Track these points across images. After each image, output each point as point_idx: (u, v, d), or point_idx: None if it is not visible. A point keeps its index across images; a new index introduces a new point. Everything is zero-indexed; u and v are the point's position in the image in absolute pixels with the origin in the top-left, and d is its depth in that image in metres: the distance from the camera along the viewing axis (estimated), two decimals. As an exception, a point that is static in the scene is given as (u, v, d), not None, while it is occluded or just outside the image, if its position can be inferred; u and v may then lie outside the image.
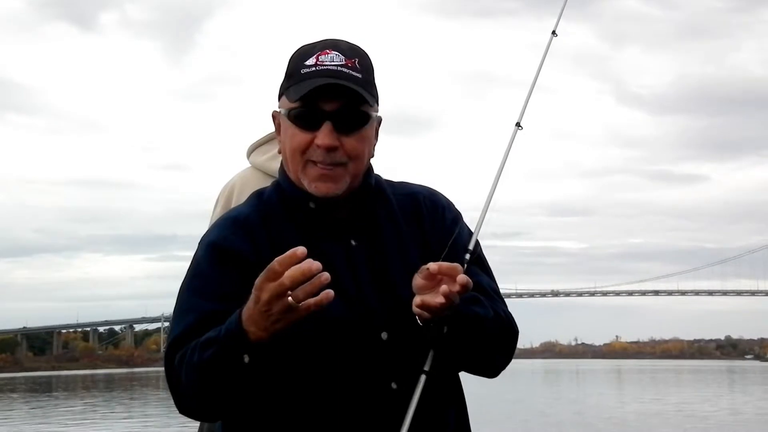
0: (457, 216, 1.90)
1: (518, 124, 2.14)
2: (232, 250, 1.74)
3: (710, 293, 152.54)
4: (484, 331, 1.73)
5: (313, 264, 1.49)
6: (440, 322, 1.66)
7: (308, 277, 1.48)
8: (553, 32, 2.38)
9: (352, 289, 1.73)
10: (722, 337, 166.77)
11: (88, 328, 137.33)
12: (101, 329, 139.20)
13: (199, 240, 1.83)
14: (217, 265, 1.74)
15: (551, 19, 2.42)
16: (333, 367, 1.69)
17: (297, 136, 1.76)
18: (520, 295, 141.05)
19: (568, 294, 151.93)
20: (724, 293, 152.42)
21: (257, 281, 1.53)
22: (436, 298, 1.60)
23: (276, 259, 1.50)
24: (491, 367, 1.86)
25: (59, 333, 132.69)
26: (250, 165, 2.85)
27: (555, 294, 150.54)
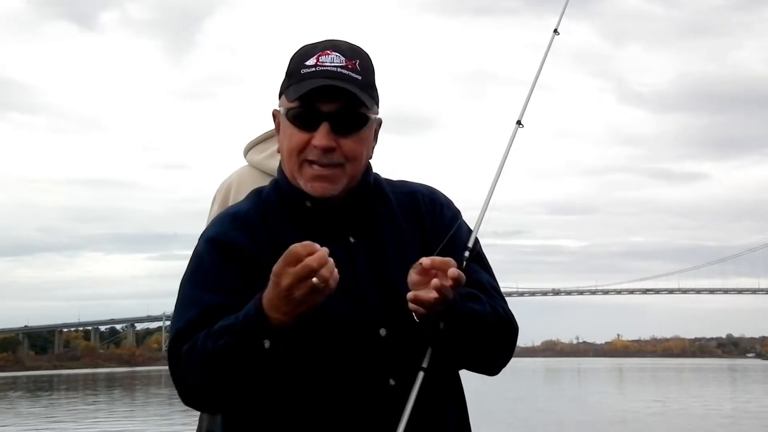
0: (456, 213, 1.91)
1: (519, 122, 2.15)
2: (232, 244, 1.76)
3: (711, 292, 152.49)
4: (483, 328, 1.74)
5: (325, 249, 1.56)
6: (436, 318, 1.67)
7: (326, 260, 1.55)
8: (555, 30, 2.39)
9: (352, 286, 1.74)
10: (723, 336, 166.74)
11: (90, 327, 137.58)
12: (102, 328, 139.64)
13: (198, 237, 1.84)
14: (218, 259, 1.75)
15: (552, 18, 2.43)
16: (332, 363, 1.70)
17: (295, 136, 1.77)
18: (521, 294, 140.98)
19: (569, 292, 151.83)
20: (725, 292, 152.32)
21: (275, 267, 1.56)
22: (429, 293, 1.62)
23: (294, 245, 1.55)
24: (491, 365, 1.86)
25: (61, 332, 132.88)
26: (247, 163, 2.85)
27: (556, 292, 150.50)
